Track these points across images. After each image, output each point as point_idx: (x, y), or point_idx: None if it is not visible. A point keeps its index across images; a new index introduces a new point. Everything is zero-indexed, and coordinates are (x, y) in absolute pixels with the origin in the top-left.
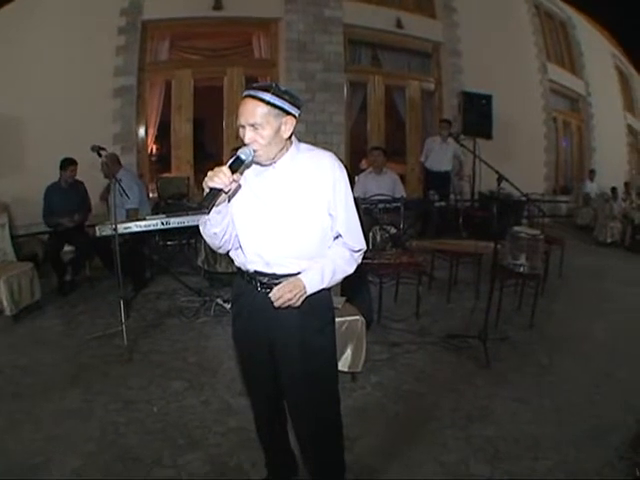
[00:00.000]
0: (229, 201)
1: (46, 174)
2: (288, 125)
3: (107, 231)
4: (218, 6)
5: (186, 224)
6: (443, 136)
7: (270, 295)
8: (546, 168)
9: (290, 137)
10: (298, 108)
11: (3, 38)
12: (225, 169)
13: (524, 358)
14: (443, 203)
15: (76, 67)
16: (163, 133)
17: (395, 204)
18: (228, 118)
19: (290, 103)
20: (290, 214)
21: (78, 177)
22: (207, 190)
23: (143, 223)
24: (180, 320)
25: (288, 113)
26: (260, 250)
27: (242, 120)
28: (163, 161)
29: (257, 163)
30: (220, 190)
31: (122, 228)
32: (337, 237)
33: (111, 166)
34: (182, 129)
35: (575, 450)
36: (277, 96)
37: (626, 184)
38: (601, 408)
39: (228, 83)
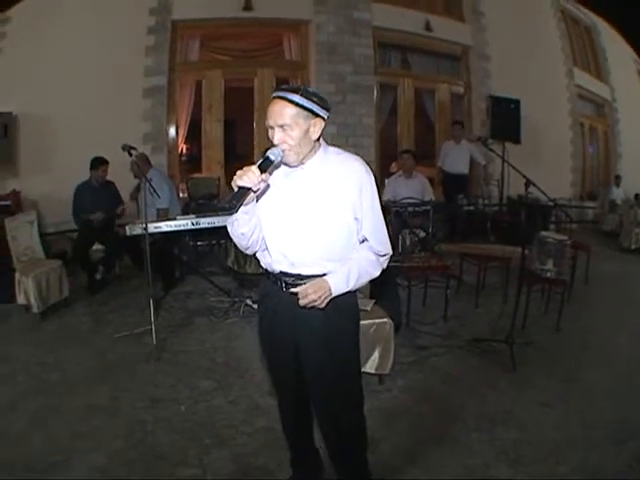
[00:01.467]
0: (257, 201)
1: (76, 173)
2: (317, 127)
3: (137, 230)
4: (248, 7)
5: (216, 224)
6: (456, 138)
7: (297, 290)
8: (573, 174)
9: (319, 139)
10: (327, 110)
11: (33, 39)
12: (254, 168)
13: (550, 363)
14: (472, 207)
15: (106, 67)
16: (194, 133)
17: (424, 207)
18: (259, 119)
19: (319, 105)
20: (316, 216)
21: (108, 177)
22: (235, 189)
23: (173, 223)
24: (209, 320)
25: (317, 115)
26: (285, 250)
27: (271, 121)
28: (193, 161)
29: (285, 164)
30: (249, 189)
31: (152, 227)
32: (363, 241)
33: (141, 166)
34: (213, 129)
35: (595, 454)
36: (306, 98)
37: None
38: (622, 413)
39: (259, 84)
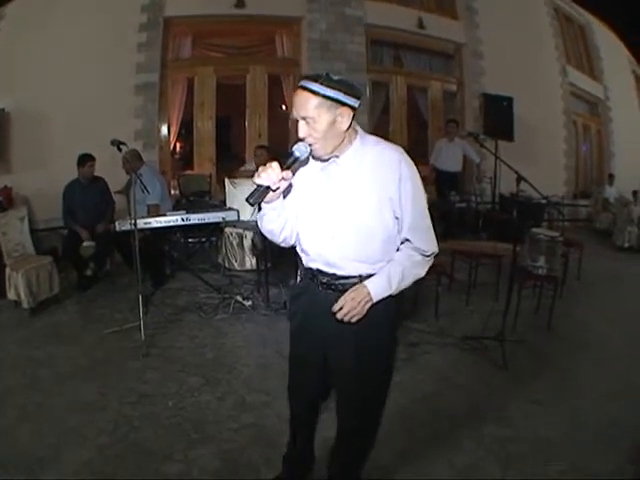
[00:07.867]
0: (285, 197)
1: (67, 169)
2: (345, 117)
3: (127, 226)
4: (240, 4)
5: (207, 221)
6: (450, 136)
7: (333, 308)
8: (566, 172)
9: (349, 129)
10: (356, 98)
11: (26, 35)
12: (275, 165)
13: (541, 361)
14: (464, 204)
15: (97, 63)
16: (186, 131)
17: None
18: (251, 116)
19: (345, 93)
20: (351, 213)
21: (100, 173)
22: (255, 186)
23: (163, 219)
24: (198, 316)
25: (343, 104)
26: (320, 249)
27: (295, 113)
28: (185, 159)
29: (316, 158)
30: (267, 187)
31: (142, 223)
32: (406, 241)
33: (132, 162)
34: (204, 126)
35: (587, 454)
36: (328, 86)
37: None
38: (614, 412)
39: (251, 81)
